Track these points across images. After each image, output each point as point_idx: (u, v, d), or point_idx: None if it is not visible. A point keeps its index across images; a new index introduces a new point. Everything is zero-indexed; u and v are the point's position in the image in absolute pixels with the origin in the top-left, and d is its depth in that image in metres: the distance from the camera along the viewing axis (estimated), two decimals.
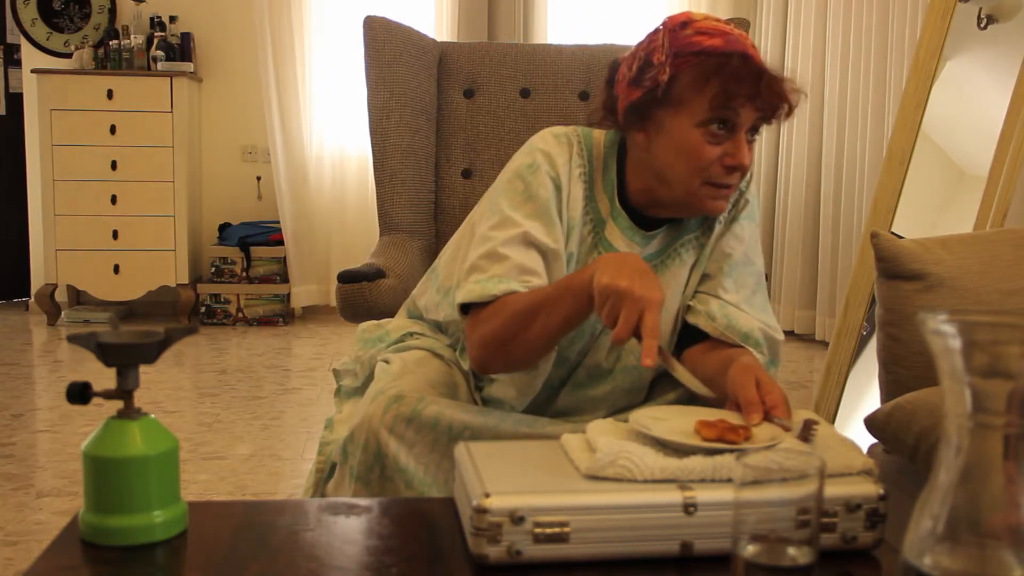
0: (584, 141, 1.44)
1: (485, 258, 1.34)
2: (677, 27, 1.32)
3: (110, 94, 4.70)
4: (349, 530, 1.04)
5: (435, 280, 1.59)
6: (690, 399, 1.43)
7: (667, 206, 1.40)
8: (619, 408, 1.45)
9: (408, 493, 1.28)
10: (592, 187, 1.44)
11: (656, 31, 1.35)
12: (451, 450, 1.29)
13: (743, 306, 1.43)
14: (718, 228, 1.45)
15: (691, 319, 1.44)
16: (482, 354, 1.33)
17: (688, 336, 1.45)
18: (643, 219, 1.43)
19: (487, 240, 1.36)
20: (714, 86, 1.28)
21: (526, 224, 1.35)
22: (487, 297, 1.30)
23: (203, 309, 4.89)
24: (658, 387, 1.49)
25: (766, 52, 4.83)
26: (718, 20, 1.34)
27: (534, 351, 1.31)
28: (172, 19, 4.94)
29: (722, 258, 1.44)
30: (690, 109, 1.30)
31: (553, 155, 1.41)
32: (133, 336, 0.96)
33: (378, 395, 1.33)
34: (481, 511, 0.91)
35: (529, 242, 1.34)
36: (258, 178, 5.16)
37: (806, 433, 1.07)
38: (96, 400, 0.97)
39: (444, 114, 2.50)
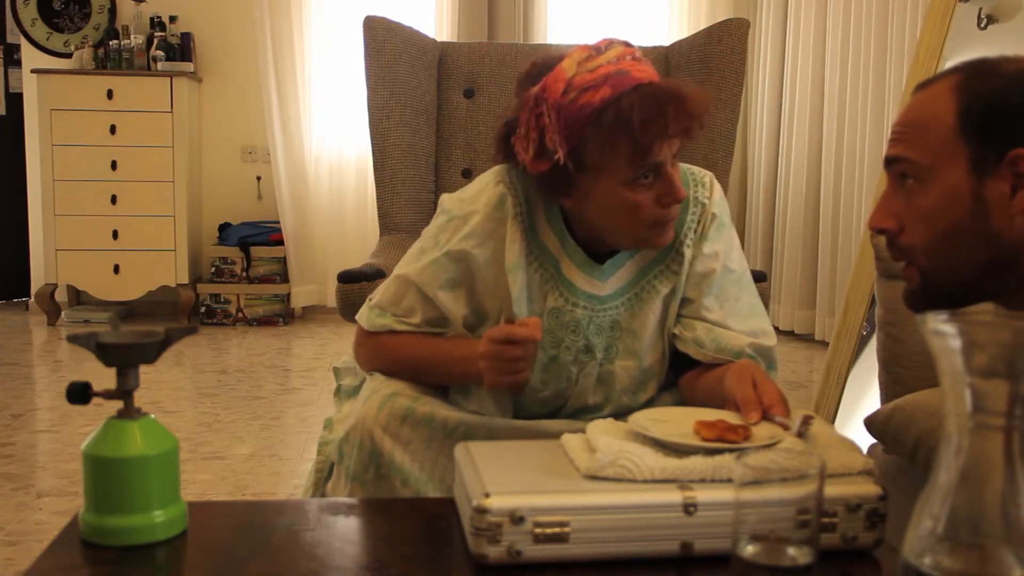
0: (519, 180, 1.38)
1: (382, 286, 1.46)
2: (559, 97, 1.23)
3: (110, 94, 4.69)
4: (349, 530, 1.04)
5: None
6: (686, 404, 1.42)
7: (616, 246, 1.37)
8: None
9: (404, 491, 1.28)
10: (534, 225, 1.38)
11: (538, 103, 1.25)
12: (446, 447, 1.30)
13: (729, 321, 1.39)
14: (688, 252, 1.39)
15: (680, 347, 1.41)
16: (363, 367, 1.49)
17: (681, 362, 1.43)
18: (595, 252, 1.39)
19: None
20: (625, 144, 1.23)
21: (413, 267, 1.40)
22: (372, 327, 1.43)
23: (203, 309, 4.89)
24: (656, 396, 1.48)
25: (766, 52, 4.83)
26: (589, 52, 1.25)
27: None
28: (172, 19, 4.93)
29: (700, 280, 1.40)
30: (609, 170, 1.26)
31: (475, 203, 1.39)
32: (133, 336, 0.96)
33: (372, 394, 1.34)
34: (481, 511, 0.91)
35: (410, 283, 1.40)
36: (258, 178, 5.16)
37: (802, 428, 1.07)
38: (96, 400, 0.97)
39: (444, 114, 2.50)
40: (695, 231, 1.40)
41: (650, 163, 1.25)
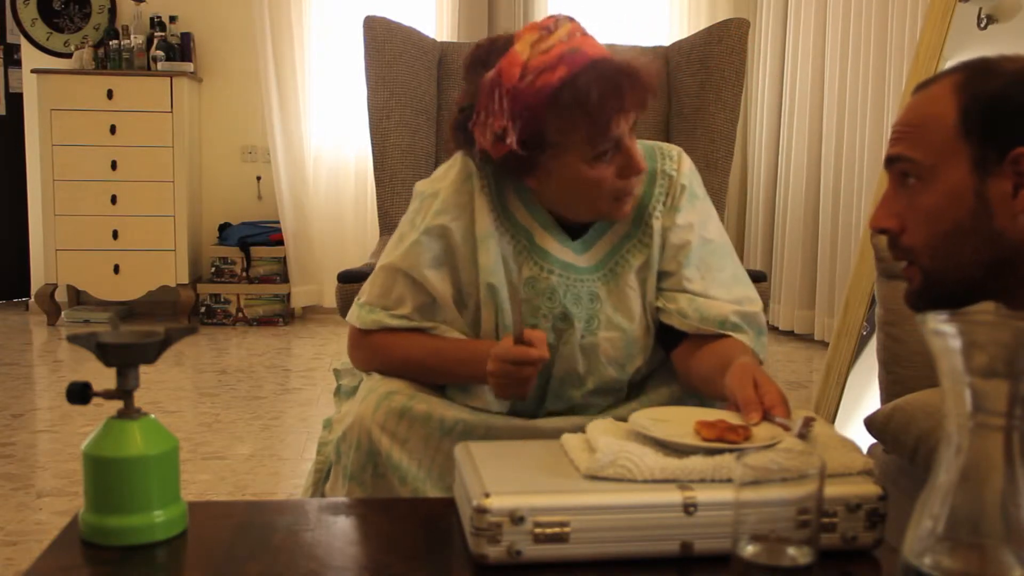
0: (483, 160, 1.39)
1: (367, 282, 1.45)
2: (516, 81, 1.25)
3: (110, 94, 4.69)
4: (349, 530, 1.04)
5: None
6: (683, 398, 1.42)
7: (576, 219, 1.39)
8: (609, 405, 1.44)
9: (402, 489, 1.28)
10: (502, 196, 1.40)
11: (494, 89, 1.27)
12: (444, 445, 1.30)
13: (711, 290, 1.40)
14: (656, 224, 1.41)
15: (665, 320, 1.42)
16: (360, 368, 1.48)
17: (669, 336, 1.44)
18: (567, 226, 1.41)
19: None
20: (584, 122, 1.25)
21: (396, 254, 1.40)
22: (365, 325, 1.42)
23: (203, 309, 4.89)
24: (650, 385, 1.48)
25: (766, 52, 4.83)
26: (540, 33, 1.27)
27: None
28: (172, 19, 4.93)
29: (676, 252, 1.41)
30: (570, 149, 1.28)
31: (442, 180, 1.41)
32: (133, 336, 0.96)
33: (369, 393, 1.34)
34: (481, 511, 0.91)
35: (396, 270, 1.40)
36: (258, 178, 5.16)
37: (803, 429, 1.07)
38: (96, 400, 0.97)
39: (444, 114, 2.50)
40: (663, 203, 1.42)
41: (609, 138, 1.27)
